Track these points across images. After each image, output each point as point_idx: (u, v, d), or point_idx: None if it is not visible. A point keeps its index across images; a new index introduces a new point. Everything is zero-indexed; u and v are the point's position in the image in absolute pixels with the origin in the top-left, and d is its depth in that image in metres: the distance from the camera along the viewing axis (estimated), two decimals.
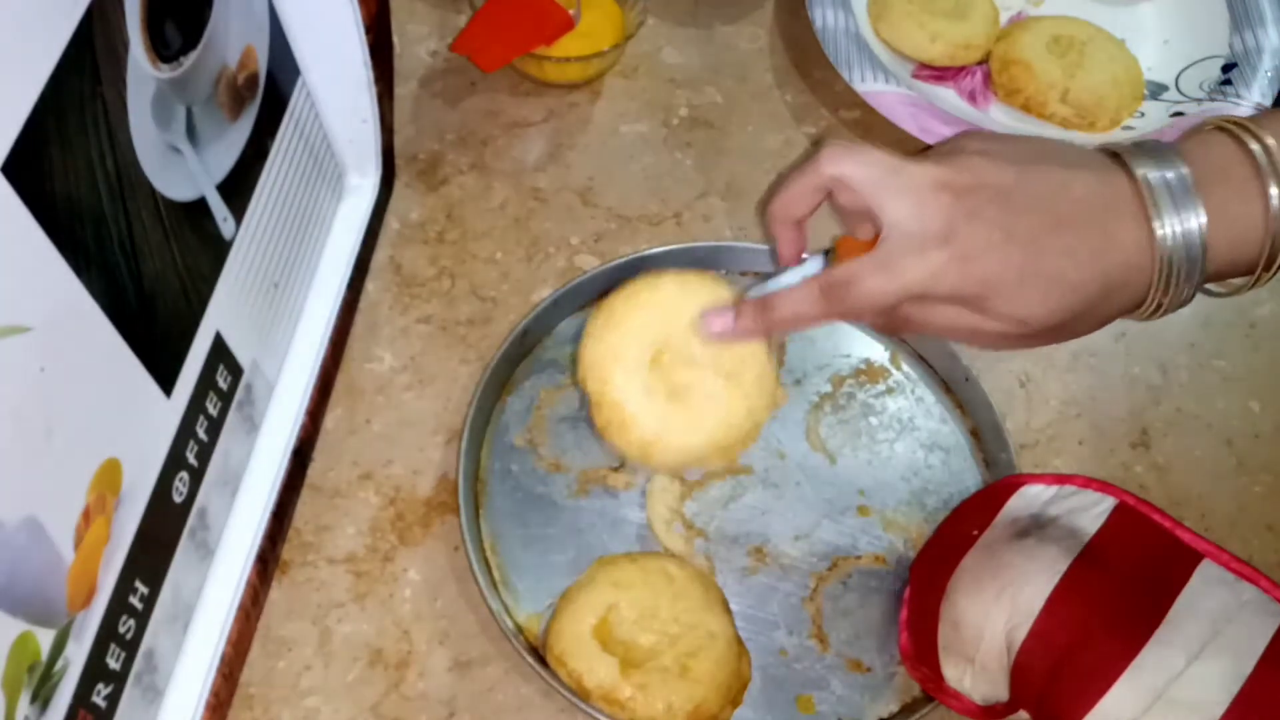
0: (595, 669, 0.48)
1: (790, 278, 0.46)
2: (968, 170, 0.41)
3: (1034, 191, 0.41)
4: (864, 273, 0.41)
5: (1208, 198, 0.40)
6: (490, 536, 0.54)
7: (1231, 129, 0.41)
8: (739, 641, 0.51)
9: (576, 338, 0.60)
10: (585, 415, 0.58)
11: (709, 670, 0.48)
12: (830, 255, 0.46)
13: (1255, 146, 0.40)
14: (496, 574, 0.53)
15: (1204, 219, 0.39)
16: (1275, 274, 0.42)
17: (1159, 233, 0.40)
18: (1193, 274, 0.40)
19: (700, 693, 0.48)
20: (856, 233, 0.44)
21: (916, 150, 0.69)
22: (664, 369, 0.46)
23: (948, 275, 0.40)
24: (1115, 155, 0.42)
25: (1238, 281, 0.42)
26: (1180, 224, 0.40)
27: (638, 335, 0.47)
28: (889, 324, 0.44)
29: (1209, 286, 0.43)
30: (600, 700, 0.48)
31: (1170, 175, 0.40)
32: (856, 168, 0.42)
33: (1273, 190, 0.39)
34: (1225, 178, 0.40)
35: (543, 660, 0.50)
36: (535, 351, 0.60)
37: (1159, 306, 0.42)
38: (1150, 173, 0.40)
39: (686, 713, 0.47)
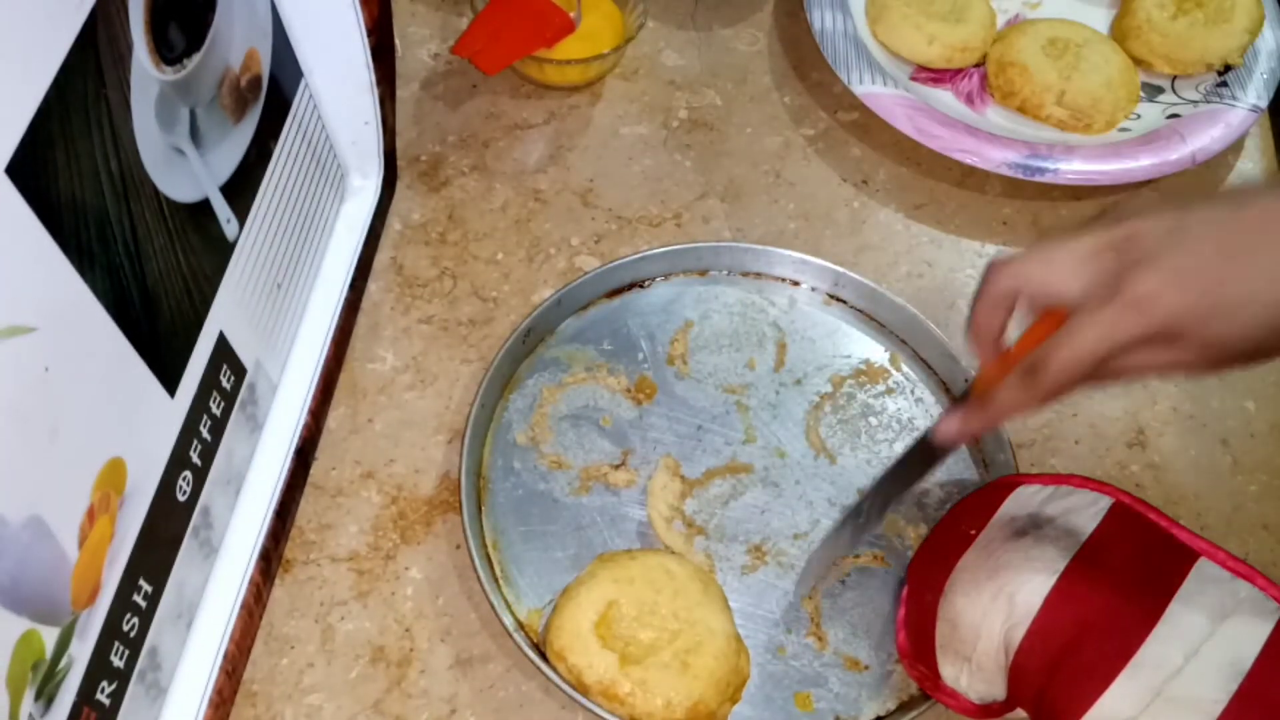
0: (595, 664, 0.48)
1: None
2: (1124, 225, 0.42)
3: (1200, 228, 0.41)
4: (1051, 351, 0.43)
5: None
6: (492, 533, 0.55)
7: None
8: (738, 639, 0.51)
9: (578, 337, 0.61)
10: (588, 417, 0.58)
11: (708, 666, 0.48)
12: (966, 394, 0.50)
13: None
14: (498, 570, 0.54)
15: None
16: None
17: None
18: None
19: (699, 689, 0.48)
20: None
21: (914, 151, 0.70)
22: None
23: (1125, 323, 0.41)
24: None
25: None
26: None
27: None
28: (1099, 381, 0.45)
29: None
30: (600, 695, 0.48)
31: None
32: (1025, 273, 0.44)
33: None
34: None
35: (544, 656, 0.50)
36: (538, 350, 0.60)
37: None
38: None
39: (685, 708, 0.48)
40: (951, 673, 0.49)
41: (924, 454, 0.53)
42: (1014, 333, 0.47)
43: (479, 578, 0.52)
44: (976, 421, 0.48)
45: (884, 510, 0.54)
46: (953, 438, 0.49)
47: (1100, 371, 0.43)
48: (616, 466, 0.57)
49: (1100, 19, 0.77)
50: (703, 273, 0.64)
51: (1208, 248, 0.41)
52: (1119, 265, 0.41)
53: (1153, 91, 0.73)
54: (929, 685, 0.50)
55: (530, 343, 0.60)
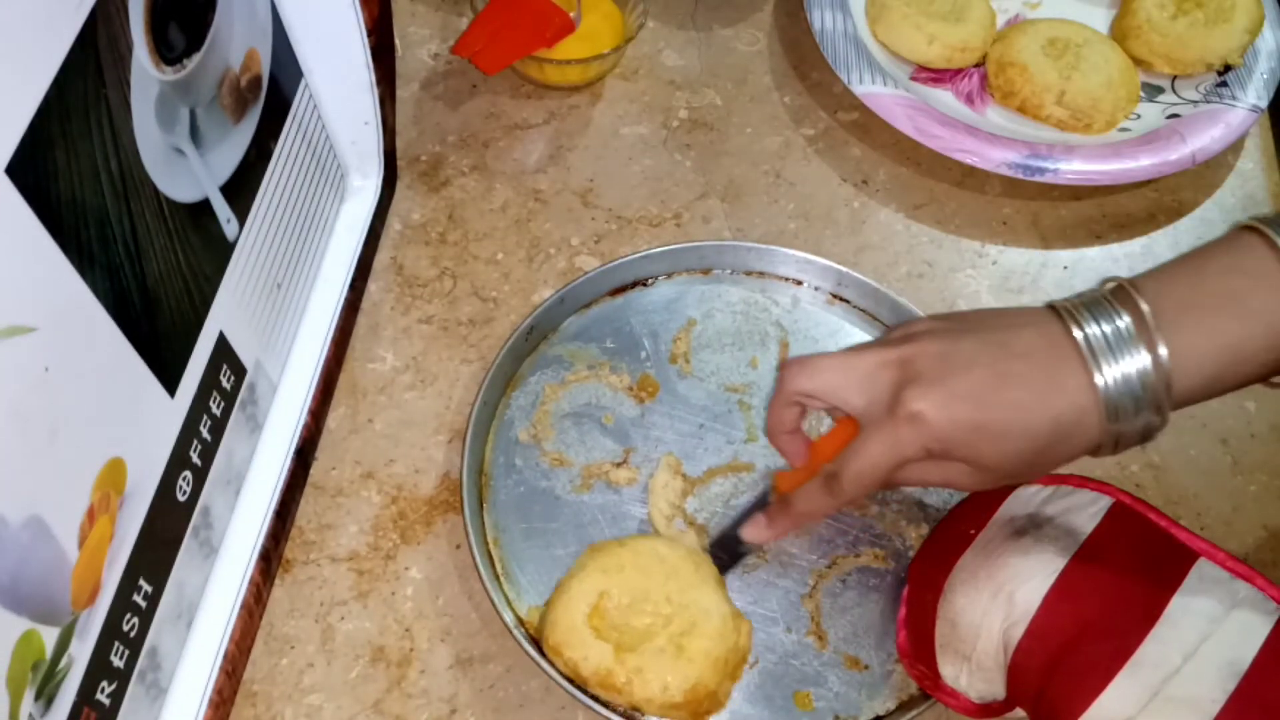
0: (590, 656, 0.48)
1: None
2: (907, 345, 0.46)
3: (974, 351, 0.45)
4: (845, 462, 0.47)
5: (1172, 333, 0.43)
6: (493, 530, 0.55)
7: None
8: (735, 615, 0.51)
9: (581, 335, 0.61)
10: (590, 415, 0.58)
11: (704, 648, 0.48)
12: (771, 493, 0.54)
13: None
14: (499, 567, 0.54)
15: (1147, 361, 0.42)
16: None
17: (1098, 381, 0.43)
18: (1141, 410, 0.43)
19: (696, 671, 0.48)
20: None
21: (914, 151, 0.70)
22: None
23: (906, 438, 0.45)
24: (1057, 311, 0.45)
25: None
26: (1119, 371, 0.43)
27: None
28: (890, 487, 0.51)
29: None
30: (598, 686, 0.48)
31: (1108, 329, 0.43)
32: (813, 381, 0.48)
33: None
34: (1191, 308, 0.43)
35: (543, 653, 0.50)
36: (540, 348, 0.60)
37: (1117, 441, 0.44)
38: (1089, 328, 0.43)
39: (684, 691, 0.48)
40: (951, 672, 0.49)
41: (730, 550, 0.54)
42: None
43: (480, 575, 0.51)
44: (782, 524, 0.52)
45: None
46: (760, 540, 0.53)
47: (891, 480, 0.47)
48: (618, 464, 0.57)
49: (1100, 19, 0.77)
50: (706, 271, 0.64)
51: (977, 374, 0.44)
52: (897, 383, 0.45)
53: (1153, 91, 0.73)
54: (929, 684, 0.50)
55: (533, 340, 0.60)
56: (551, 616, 0.50)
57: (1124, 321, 0.43)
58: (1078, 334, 0.44)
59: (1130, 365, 0.43)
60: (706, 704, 0.49)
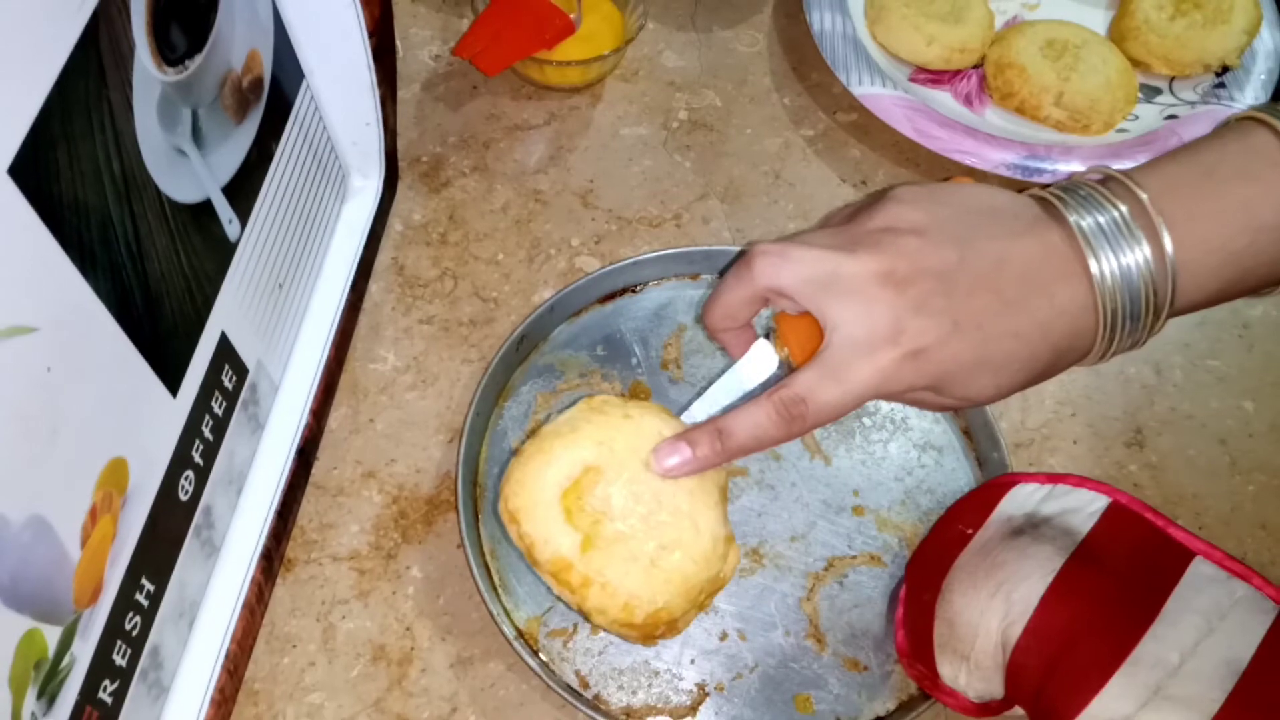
0: (552, 541, 0.41)
1: (732, 381, 0.45)
2: (905, 257, 0.40)
3: (975, 271, 0.40)
4: (817, 386, 0.40)
5: (1179, 240, 0.39)
6: (489, 541, 0.55)
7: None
8: (727, 540, 0.44)
9: (571, 344, 0.61)
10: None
11: (683, 572, 0.41)
12: (773, 335, 0.45)
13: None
14: (496, 578, 0.54)
15: (1146, 252, 0.39)
16: None
17: (1094, 275, 0.40)
18: (1138, 311, 0.40)
19: (665, 595, 0.41)
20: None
21: (913, 152, 0.70)
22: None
23: (902, 374, 0.40)
24: (1049, 203, 0.41)
25: None
26: (1117, 263, 0.39)
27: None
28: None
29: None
30: (549, 576, 0.42)
31: (1103, 219, 0.40)
32: (792, 277, 0.41)
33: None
34: (1199, 217, 0.40)
35: (545, 664, 0.50)
36: (531, 357, 0.60)
37: (1106, 351, 0.42)
38: (1082, 220, 0.40)
39: (646, 614, 0.41)
40: (950, 672, 0.49)
41: None
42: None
43: (478, 587, 0.52)
44: (713, 456, 0.42)
45: None
46: (678, 474, 0.43)
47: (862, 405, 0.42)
48: None
49: (1098, 20, 0.77)
50: (695, 276, 0.64)
51: (980, 301, 0.40)
52: (896, 310, 0.40)
53: (1150, 93, 0.73)
54: (928, 684, 0.50)
55: (524, 350, 0.60)
56: (518, 475, 0.42)
57: (1122, 212, 0.40)
58: (1075, 224, 0.40)
59: (1130, 259, 0.39)
60: (663, 629, 0.43)
